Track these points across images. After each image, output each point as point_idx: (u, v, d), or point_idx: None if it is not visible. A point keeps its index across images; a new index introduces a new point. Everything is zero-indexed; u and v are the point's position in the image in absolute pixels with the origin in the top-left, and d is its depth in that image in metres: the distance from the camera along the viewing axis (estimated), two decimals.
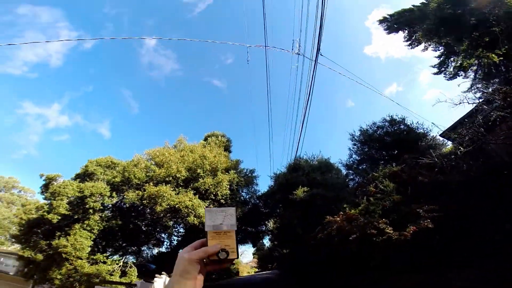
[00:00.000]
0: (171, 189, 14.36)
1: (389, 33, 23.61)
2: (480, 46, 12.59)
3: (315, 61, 11.01)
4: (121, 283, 14.04)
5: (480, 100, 11.84)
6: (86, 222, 15.25)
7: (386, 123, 19.62)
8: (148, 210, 14.29)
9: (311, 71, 11.02)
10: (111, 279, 13.75)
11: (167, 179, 15.02)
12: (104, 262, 14.69)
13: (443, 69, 21.48)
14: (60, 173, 17.44)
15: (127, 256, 17.08)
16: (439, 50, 21.09)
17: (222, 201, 15.50)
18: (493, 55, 12.48)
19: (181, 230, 17.43)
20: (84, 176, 19.92)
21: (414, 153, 14.81)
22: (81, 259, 14.06)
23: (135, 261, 18.12)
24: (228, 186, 16.18)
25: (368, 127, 20.16)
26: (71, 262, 14.10)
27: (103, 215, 15.98)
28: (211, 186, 15.35)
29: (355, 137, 20.41)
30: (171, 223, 14.53)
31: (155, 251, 19.71)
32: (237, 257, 0.86)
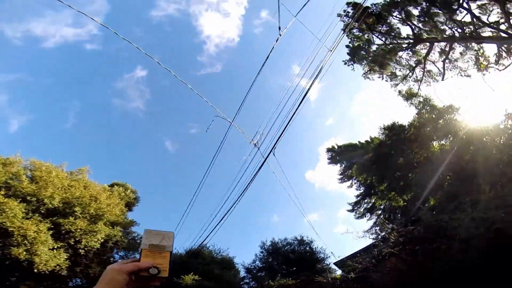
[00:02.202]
0: (24, 210, 10.70)
1: (330, 163, 28.19)
2: (394, 190, 15.44)
3: (265, 159, 11.04)
4: None
5: (378, 237, 13.62)
6: None
7: (296, 242, 20.78)
8: None
9: (258, 165, 10.98)
10: None
11: (29, 198, 11.41)
12: None
13: (356, 208, 25.30)
14: None
15: None
16: (359, 190, 25.37)
17: (81, 251, 11.76)
18: (400, 199, 15.35)
19: None
20: None
21: (311, 273, 14.99)
22: None
23: None
24: (102, 240, 12.85)
25: (279, 240, 21.00)
26: None
27: None
28: (78, 231, 11.96)
29: (265, 246, 20.92)
30: None
31: None
32: (167, 276, 0.85)
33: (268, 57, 9.92)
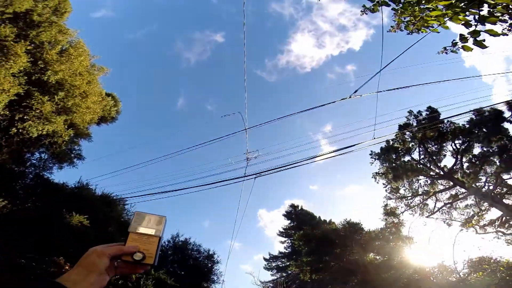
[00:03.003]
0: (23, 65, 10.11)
1: (284, 216, 28.47)
2: (311, 267, 16.05)
3: (244, 176, 11.31)
4: None
5: None
6: None
7: (205, 253, 20.54)
8: None
9: (236, 174, 11.07)
10: None
11: (39, 62, 10.91)
12: None
13: (271, 260, 25.92)
14: None
15: None
16: (286, 251, 25.80)
17: (12, 131, 10.95)
18: (308, 276, 15.92)
19: None
20: None
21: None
22: None
23: None
24: (43, 134, 12.05)
25: (193, 242, 20.68)
26: None
27: None
28: (36, 111, 11.24)
29: (177, 239, 20.41)
30: None
31: None
32: (154, 264, 0.81)
33: (321, 105, 10.24)
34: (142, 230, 0.85)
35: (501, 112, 14.83)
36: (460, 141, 16.43)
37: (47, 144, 13.14)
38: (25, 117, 11.33)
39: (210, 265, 19.57)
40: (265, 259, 26.16)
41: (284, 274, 21.86)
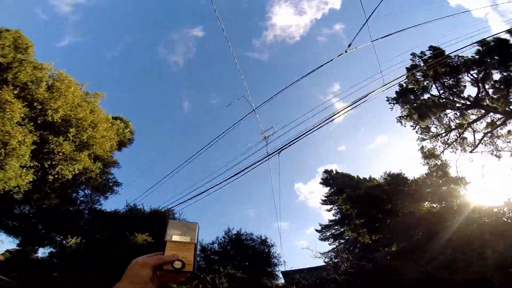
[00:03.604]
0: (22, 115, 10.44)
1: (321, 183, 28.14)
2: (367, 228, 15.54)
3: (269, 155, 11.08)
4: None
5: (330, 262, 13.99)
6: None
7: (258, 240, 21.03)
8: None
9: (260, 157, 11.06)
10: None
11: (35, 104, 11.14)
12: None
13: (324, 230, 25.71)
14: None
15: None
16: (335, 217, 25.72)
17: (50, 177, 11.49)
18: (368, 238, 15.53)
19: None
20: None
21: (260, 274, 15.38)
22: None
23: None
24: (76, 172, 12.53)
25: (245, 233, 21.16)
26: None
27: None
28: (60, 154, 11.57)
29: (229, 233, 20.88)
30: None
31: None
32: (193, 271, 0.82)
33: (321, 66, 9.76)
34: (177, 238, 0.86)
35: (507, 40, 14.14)
36: (475, 71, 15.48)
37: (84, 181, 13.80)
38: (53, 163, 11.74)
39: (266, 250, 20.09)
40: (317, 231, 26.20)
41: (342, 241, 21.73)
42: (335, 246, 20.79)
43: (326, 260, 14.06)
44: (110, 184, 15.65)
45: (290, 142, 10.31)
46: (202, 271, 15.02)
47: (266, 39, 49.68)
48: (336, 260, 13.29)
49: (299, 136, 10.09)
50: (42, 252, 15.77)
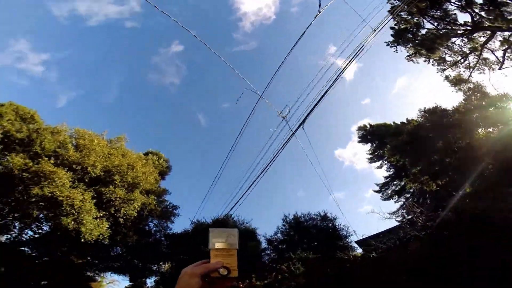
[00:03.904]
0: (71, 179, 11.79)
1: (360, 142, 27.58)
2: (427, 174, 14.63)
3: (293, 132, 11.03)
4: None
5: (404, 219, 13.38)
6: None
7: (319, 217, 20.96)
8: (21, 188, 10.72)
9: (286, 138, 11.10)
10: None
11: (74, 166, 12.50)
12: None
13: (384, 189, 24.75)
14: None
15: None
16: (389, 172, 24.70)
17: (120, 220, 12.98)
18: (433, 184, 14.79)
19: (45, 228, 13.22)
20: None
21: (332, 249, 15.30)
22: None
23: None
24: (138, 209, 13.99)
25: (302, 215, 21.31)
26: None
27: None
28: (118, 199, 13.05)
29: (287, 220, 21.25)
30: (36, 213, 10.84)
31: None
32: (237, 276, 0.86)
33: (304, 33, 9.73)
34: (220, 245, 0.89)
35: None
36: None
37: (147, 214, 15.29)
38: (116, 208, 13.10)
39: (330, 224, 19.97)
40: (376, 191, 25.19)
41: (408, 195, 20.61)
42: (402, 202, 19.76)
43: (398, 219, 13.48)
44: (170, 209, 17.20)
45: (309, 112, 10.10)
46: (276, 262, 15.59)
47: (245, 29, 48.61)
48: (409, 217, 12.69)
49: (316, 103, 9.84)
50: (150, 282, 18.34)
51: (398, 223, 12.51)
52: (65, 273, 12.93)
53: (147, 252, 14.72)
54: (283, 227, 20.91)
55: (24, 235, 12.52)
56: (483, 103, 13.07)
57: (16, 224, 11.74)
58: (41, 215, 11.40)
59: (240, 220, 18.97)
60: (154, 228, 16.50)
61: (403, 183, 19.35)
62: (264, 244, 18.77)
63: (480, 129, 12.84)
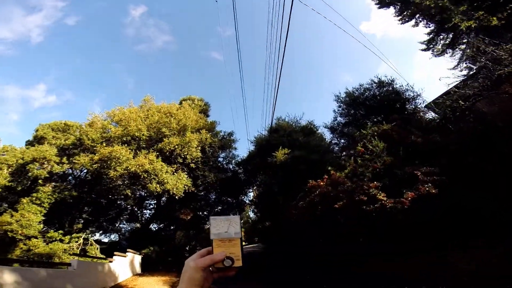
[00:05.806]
0: (130, 150, 12.32)
1: (380, 7, 20.98)
2: (481, 9, 10.91)
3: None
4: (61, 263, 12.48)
5: (477, 65, 10.59)
6: (35, 194, 13.09)
7: (374, 85, 18.45)
8: (105, 177, 12.09)
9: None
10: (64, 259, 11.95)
11: (124, 138, 12.90)
12: (61, 240, 12.88)
13: (431, 46, 19.63)
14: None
15: (90, 232, 15.32)
16: (429, 27, 18.98)
17: (192, 165, 13.78)
18: (494, 18, 10.97)
19: (152, 202, 15.70)
20: (34, 141, 17.26)
21: (404, 114, 13.88)
22: (30, 238, 12.15)
23: (102, 238, 16.60)
24: (200, 148, 14.35)
25: (354, 89, 19.00)
26: (24, 242, 12.24)
27: (57, 185, 13.82)
28: (177, 147, 13.41)
29: (341, 99, 19.04)
30: (128, 191, 12.49)
31: (122, 226, 18.25)
32: (242, 265, 0.84)
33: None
34: (222, 235, 0.87)
35: None
36: None
37: (210, 150, 16.05)
38: (182, 156, 13.72)
39: (390, 88, 17.59)
40: (423, 50, 19.55)
41: (462, 46, 15.62)
42: (459, 54, 15.24)
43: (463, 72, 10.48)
44: (226, 137, 17.55)
45: None
46: (347, 149, 15.03)
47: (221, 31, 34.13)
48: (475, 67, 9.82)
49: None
50: None
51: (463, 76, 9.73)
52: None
53: (231, 185, 16.11)
54: (339, 109, 18.75)
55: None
56: None
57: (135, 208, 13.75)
58: (128, 191, 12.77)
59: (292, 118, 18.04)
60: (224, 161, 17.51)
61: (451, 36, 14.49)
62: (328, 135, 17.71)
63: None
